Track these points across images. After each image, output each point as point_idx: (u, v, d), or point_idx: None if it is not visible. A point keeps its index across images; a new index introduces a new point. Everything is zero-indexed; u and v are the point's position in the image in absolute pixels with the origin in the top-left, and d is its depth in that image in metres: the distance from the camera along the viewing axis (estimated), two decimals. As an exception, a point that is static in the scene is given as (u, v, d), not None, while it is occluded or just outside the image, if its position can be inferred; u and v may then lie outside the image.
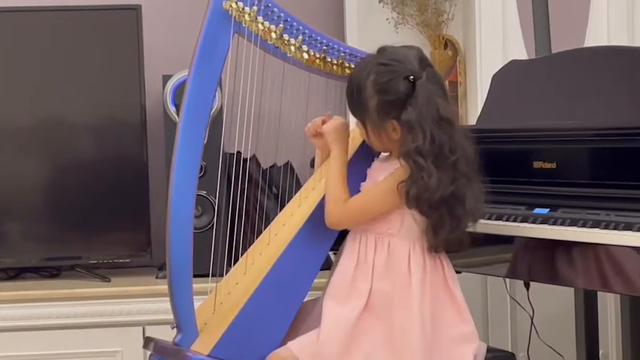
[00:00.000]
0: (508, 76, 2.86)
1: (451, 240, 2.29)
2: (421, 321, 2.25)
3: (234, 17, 2.26)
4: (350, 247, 2.36)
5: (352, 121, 2.43)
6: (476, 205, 2.31)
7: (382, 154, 2.44)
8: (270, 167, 3.37)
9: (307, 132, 2.49)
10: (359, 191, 2.38)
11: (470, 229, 2.34)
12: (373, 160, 2.44)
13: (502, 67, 2.91)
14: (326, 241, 2.41)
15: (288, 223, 2.44)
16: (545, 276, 2.38)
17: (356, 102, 2.32)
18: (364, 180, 2.40)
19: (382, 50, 2.34)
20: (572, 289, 2.97)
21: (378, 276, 2.30)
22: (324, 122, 2.46)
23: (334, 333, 2.26)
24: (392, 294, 2.28)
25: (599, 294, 3.01)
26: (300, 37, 2.35)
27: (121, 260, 3.38)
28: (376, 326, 2.27)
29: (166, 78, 3.30)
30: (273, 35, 2.31)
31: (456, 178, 2.26)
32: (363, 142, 2.44)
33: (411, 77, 2.27)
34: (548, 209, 2.42)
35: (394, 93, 2.27)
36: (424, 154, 2.24)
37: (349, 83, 2.36)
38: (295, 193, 2.53)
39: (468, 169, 2.29)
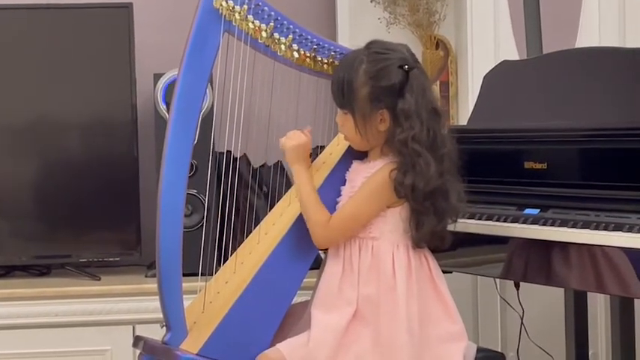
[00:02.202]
0: (499, 77, 2.86)
1: (434, 234, 2.29)
2: (408, 322, 2.25)
3: (225, 16, 2.26)
4: (334, 254, 2.35)
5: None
6: (458, 203, 2.31)
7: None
8: (260, 166, 3.36)
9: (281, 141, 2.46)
10: (340, 194, 2.38)
11: (460, 230, 2.34)
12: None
13: (493, 68, 2.91)
14: (316, 240, 2.41)
15: (277, 222, 2.44)
16: (536, 276, 2.38)
17: (345, 93, 2.31)
18: (343, 183, 2.40)
19: (372, 42, 2.35)
20: (562, 289, 2.97)
21: (364, 281, 2.30)
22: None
23: (324, 339, 2.25)
24: (377, 297, 2.27)
25: (589, 294, 3.01)
26: (291, 36, 2.35)
27: (110, 259, 3.37)
28: (364, 332, 2.27)
29: (157, 76, 3.30)
30: (264, 34, 2.31)
31: (443, 172, 2.27)
32: (347, 148, 2.43)
33: (405, 66, 2.28)
34: (538, 210, 2.42)
35: (388, 80, 2.28)
36: (421, 142, 2.25)
37: (337, 75, 2.35)
38: (285, 192, 2.53)
39: (452, 166, 2.30)
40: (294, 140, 2.39)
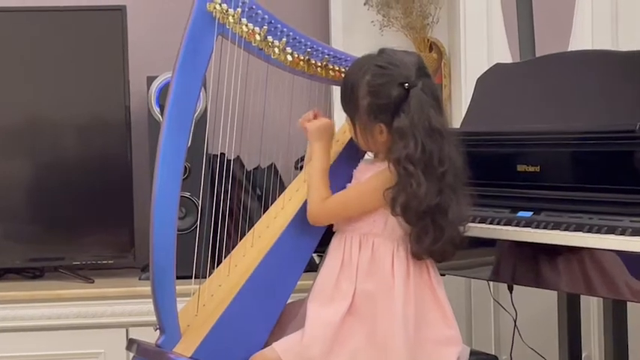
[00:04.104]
0: (492, 80, 2.86)
1: (434, 251, 2.29)
2: (404, 322, 2.25)
3: (218, 19, 2.26)
4: (335, 247, 2.37)
5: (338, 119, 2.43)
6: (460, 216, 2.30)
7: (367, 155, 2.45)
8: (254, 169, 3.36)
9: (302, 123, 2.47)
10: (344, 185, 2.39)
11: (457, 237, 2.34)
12: (359, 161, 2.45)
13: (486, 71, 2.92)
14: (309, 242, 2.42)
15: (271, 225, 2.44)
16: (529, 279, 2.38)
17: (348, 99, 2.33)
18: (350, 180, 2.40)
19: (381, 52, 2.33)
20: (556, 291, 2.97)
21: (362, 276, 2.30)
22: (315, 116, 2.46)
23: (318, 334, 2.26)
24: (375, 295, 2.28)
25: (582, 297, 3.01)
26: (285, 39, 2.35)
27: (104, 261, 3.37)
28: (360, 328, 2.27)
29: (151, 79, 3.30)
30: (257, 37, 2.31)
31: (442, 189, 2.26)
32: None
33: (406, 84, 2.27)
34: (531, 212, 2.43)
35: (386, 97, 2.27)
36: (415, 162, 2.24)
37: (345, 79, 2.36)
38: (279, 195, 2.54)
39: (456, 180, 2.29)
40: (317, 122, 2.42)
